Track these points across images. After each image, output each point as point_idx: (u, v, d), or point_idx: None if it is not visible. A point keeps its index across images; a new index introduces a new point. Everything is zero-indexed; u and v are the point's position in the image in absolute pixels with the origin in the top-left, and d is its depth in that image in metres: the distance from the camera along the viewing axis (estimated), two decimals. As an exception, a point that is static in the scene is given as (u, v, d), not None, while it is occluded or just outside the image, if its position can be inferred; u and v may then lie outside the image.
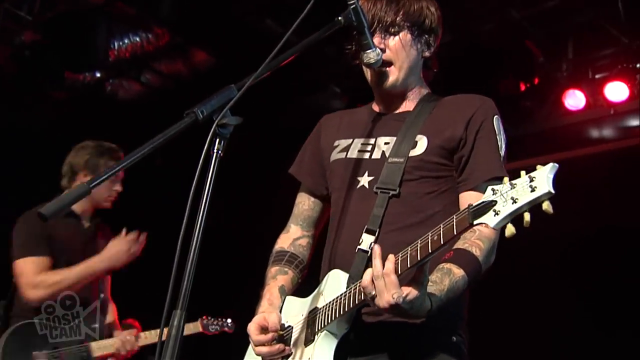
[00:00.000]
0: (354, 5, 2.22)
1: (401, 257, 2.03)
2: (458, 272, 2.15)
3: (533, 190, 1.75)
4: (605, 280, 6.03)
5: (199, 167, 1.87)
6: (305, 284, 2.68)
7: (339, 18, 2.21)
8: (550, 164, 1.76)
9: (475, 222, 1.85)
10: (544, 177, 1.75)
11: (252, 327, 2.41)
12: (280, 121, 7.20)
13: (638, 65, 6.05)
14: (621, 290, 5.97)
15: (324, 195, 2.69)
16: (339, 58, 5.05)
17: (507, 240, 1.88)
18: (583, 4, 5.87)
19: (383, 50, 2.40)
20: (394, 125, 2.51)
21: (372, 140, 2.52)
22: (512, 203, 1.78)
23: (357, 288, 2.18)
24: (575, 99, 6.26)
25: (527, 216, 1.77)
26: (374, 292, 2.03)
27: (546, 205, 1.73)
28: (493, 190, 1.84)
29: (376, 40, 2.39)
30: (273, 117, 7.14)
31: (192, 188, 1.82)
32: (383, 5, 2.44)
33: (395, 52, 2.45)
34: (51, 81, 6.40)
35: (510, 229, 1.79)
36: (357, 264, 2.32)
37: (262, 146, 7.30)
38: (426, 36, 2.52)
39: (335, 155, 2.59)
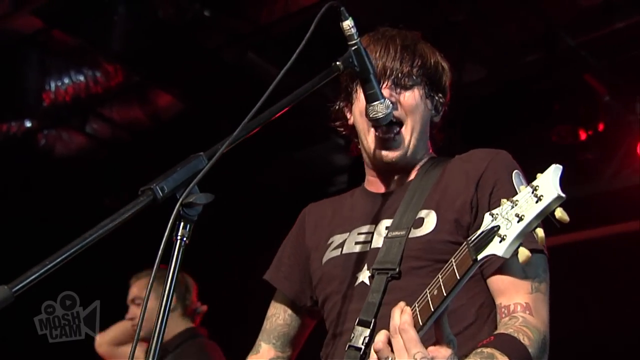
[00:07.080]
0: (355, 47, 2.15)
1: (419, 305, 1.96)
2: (502, 359, 2.11)
3: (539, 200, 1.73)
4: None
5: (158, 258, 1.65)
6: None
7: (337, 63, 2.12)
8: (553, 166, 1.76)
9: (479, 257, 1.81)
10: (548, 182, 1.73)
11: None
12: (264, 181, 6.87)
13: None
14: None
15: (307, 306, 2.60)
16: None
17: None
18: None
19: (394, 105, 2.29)
20: (397, 205, 2.41)
21: (372, 228, 2.42)
22: (518, 222, 1.76)
23: None
24: (655, 150, 5.79)
25: (540, 232, 1.76)
26: (390, 357, 1.96)
27: (560, 213, 1.71)
28: (492, 215, 1.82)
29: (385, 93, 2.27)
30: (255, 176, 6.76)
31: (150, 282, 1.70)
32: (397, 54, 2.36)
33: (409, 109, 2.37)
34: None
35: (524, 253, 1.76)
36: None
37: (239, 214, 6.69)
38: (439, 96, 2.47)
39: (329, 254, 2.48)
